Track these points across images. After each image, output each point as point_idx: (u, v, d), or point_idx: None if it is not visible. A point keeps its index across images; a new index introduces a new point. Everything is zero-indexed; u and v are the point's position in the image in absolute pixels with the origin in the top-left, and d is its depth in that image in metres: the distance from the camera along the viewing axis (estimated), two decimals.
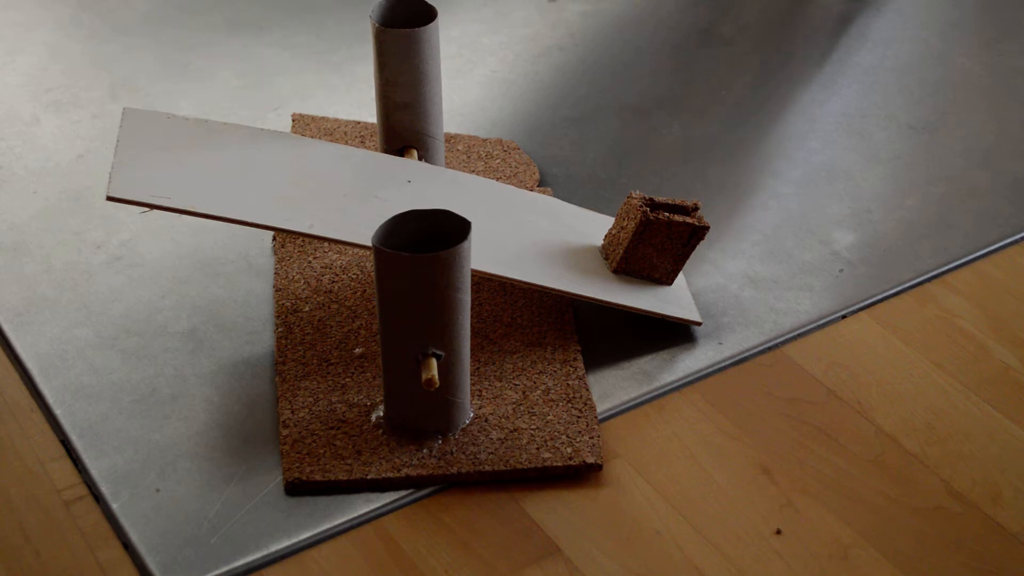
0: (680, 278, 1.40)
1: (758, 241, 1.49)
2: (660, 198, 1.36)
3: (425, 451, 1.23)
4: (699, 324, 1.37)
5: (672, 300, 1.37)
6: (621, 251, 1.36)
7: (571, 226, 1.42)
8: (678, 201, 1.36)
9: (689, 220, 1.34)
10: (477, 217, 1.33)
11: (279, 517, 1.19)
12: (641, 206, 1.34)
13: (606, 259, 1.38)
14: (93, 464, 1.23)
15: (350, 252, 1.44)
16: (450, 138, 1.60)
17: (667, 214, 1.34)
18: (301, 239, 1.45)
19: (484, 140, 1.61)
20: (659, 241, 1.35)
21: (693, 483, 1.22)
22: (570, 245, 1.38)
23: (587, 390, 1.29)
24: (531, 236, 1.38)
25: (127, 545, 1.17)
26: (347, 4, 1.86)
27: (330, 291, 1.39)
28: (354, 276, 1.41)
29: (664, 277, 1.37)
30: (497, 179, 1.54)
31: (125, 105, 1.65)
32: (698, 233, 1.35)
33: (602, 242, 1.40)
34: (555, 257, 1.36)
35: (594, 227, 1.43)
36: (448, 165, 1.55)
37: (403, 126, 1.47)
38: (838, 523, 1.19)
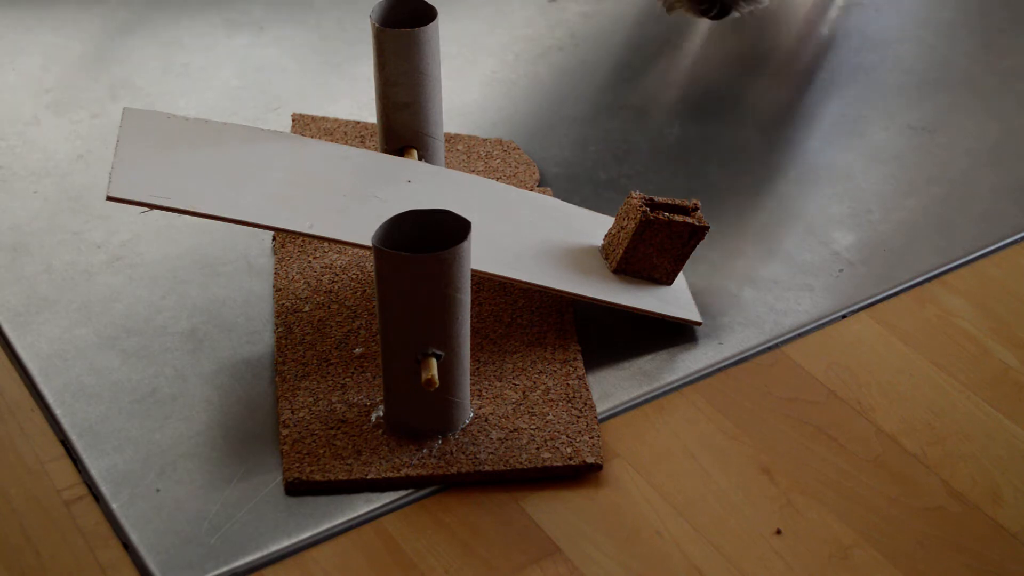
0: (680, 278, 1.41)
1: (758, 241, 1.49)
2: (660, 198, 1.36)
3: (425, 451, 1.23)
4: (699, 324, 1.37)
5: (672, 300, 1.37)
6: (621, 251, 1.36)
7: (571, 226, 1.42)
8: (678, 201, 1.36)
9: (689, 220, 1.34)
10: (477, 217, 1.33)
11: (279, 517, 1.19)
12: (641, 206, 1.34)
13: (606, 259, 1.38)
14: (93, 464, 1.23)
15: (350, 252, 1.44)
16: (450, 138, 1.60)
17: (667, 214, 1.34)
18: (301, 239, 1.45)
19: (484, 140, 1.61)
20: (659, 241, 1.35)
21: (693, 483, 1.22)
22: (570, 245, 1.38)
23: (587, 390, 1.29)
24: (531, 236, 1.38)
25: (127, 545, 1.17)
26: (347, 4, 1.86)
27: (330, 291, 1.39)
28: (354, 276, 1.41)
29: (664, 277, 1.37)
30: (497, 179, 1.54)
31: (125, 105, 1.65)
32: (698, 233, 1.35)
33: (602, 242, 1.40)
34: (555, 257, 1.36)
35: (594, 227, 1.43)
36: (448, 165, 1.55)
37: (403, 126, 1.47)
38: (838, 523, 1.19)
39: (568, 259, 1.36)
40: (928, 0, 1.91)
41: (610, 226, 1.40)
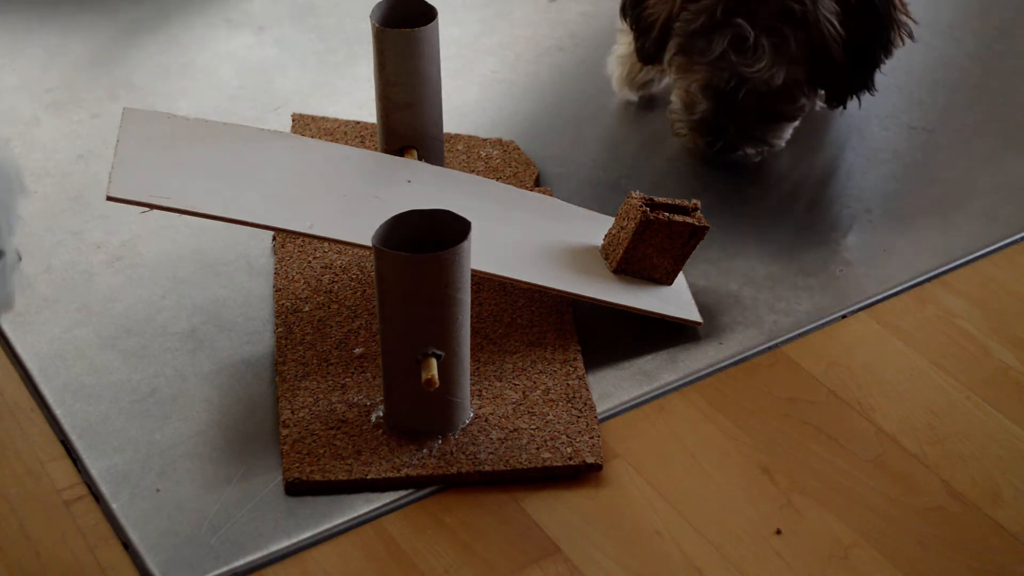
0: (680, 278, 1.40)
1: (758, 241, 1.49)
2: (660, 198, 1.36)
3: (425, 451, 1.23)
4: (699, 324, 1.37)
5: (672, 300, 1.37)
6: (621, 251, 1.36)
7: (571, 226, 1.42)
8: (678, 201, 1.36)
9: (689, 220, 1.34)
10: (477, 217, 1.33)
11: (279, 517, 1.19)
12: (641, 206, 1.34)
13: (606, 259, 1.38)
14: (93, 464, 1.23)
15: (350, 252, 1.44)
16: (450, 138, 1.60)
17: (667, 214, 1.34)
18: (301, 239, 1.45)
19: (484, 140, 1.61)
20: (659, 241, 1.35)
21: (693, 483, 1.22)
22: (570, 245, 1.38)
23: (587, 390, 1.29)
24: (531, 236, 1.38)
25: (127, 545, 1.17)
26: (347, 4, 1.86)
27: (330, 291, 1.39)
28: (354, 276, 1.41)
29: (664, 277, 1.37)
30: (497, 179, 1.54)
31: (125, 105, 1.65)
32: (698, 233, 1.35)
33: (602, 242, 1.40)
34: (555, 257, 1.36)
35: (594, 227, 1.43)
36: (448, 165, 1.55)
37: (403, 126, 1.47)
38: (838, 523, 1.19)
39: (568, 259, 1.36)
40: (928, 0, 1.91)
41: (610, 226, 1.40)
